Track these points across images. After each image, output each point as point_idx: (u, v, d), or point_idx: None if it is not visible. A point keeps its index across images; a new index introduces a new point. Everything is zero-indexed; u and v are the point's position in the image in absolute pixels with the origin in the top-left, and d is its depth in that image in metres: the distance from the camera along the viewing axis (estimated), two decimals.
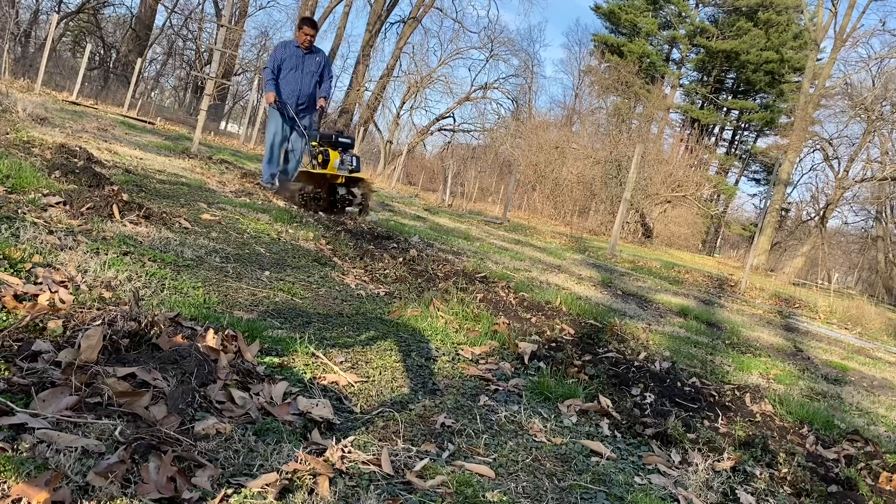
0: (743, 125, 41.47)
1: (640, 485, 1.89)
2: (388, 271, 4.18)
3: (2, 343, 1.62)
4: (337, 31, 31.29)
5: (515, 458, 1.87)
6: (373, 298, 3.44)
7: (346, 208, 6.69)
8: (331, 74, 7.30)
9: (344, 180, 6.63)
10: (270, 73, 6.94)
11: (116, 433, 1.38)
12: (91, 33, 28.52)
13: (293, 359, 2.18)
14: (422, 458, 1.69)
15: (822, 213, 24.41)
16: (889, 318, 10.77)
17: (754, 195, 55.55)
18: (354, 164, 6.70)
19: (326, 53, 7.32)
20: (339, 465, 1.54)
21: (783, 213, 29.41)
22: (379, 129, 33.24)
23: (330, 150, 6.60)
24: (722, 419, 2.61)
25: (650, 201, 23.39)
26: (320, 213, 6.23)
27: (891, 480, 2.26)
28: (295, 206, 6.10)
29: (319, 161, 6.66)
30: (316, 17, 31.09)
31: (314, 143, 6.82)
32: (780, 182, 23.44)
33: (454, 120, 36.47)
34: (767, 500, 2.01)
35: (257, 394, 1.78)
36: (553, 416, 2.28)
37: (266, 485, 1.37)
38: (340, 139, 6.71)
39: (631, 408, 2.46)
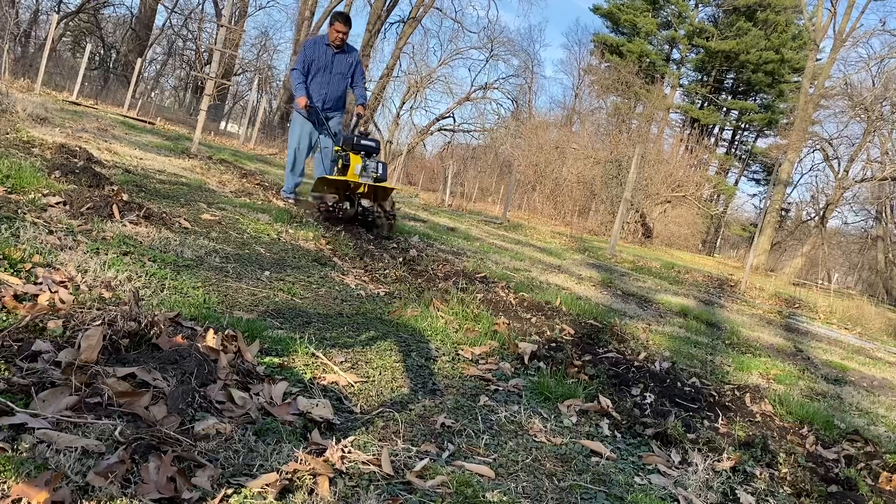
0: (743, 125, 41.51)
1: (640, 485, 1.89)
2: (388, 271, 4.18)
3: (2, 343, 1.62)
4: None
5: (515, 458, 1.87)
6: (373, 298, 3.44)
7: (371, 223, 5.77)
8: (363, 76, 6.61)
9: (367, 190, 5.71)
10: (300, 74, 6.28)
11: (116, 433, 1.38)
12: (91, 33, 28.52)
13: (293, 359, 2.18)
14: (422, 458, 1.69)
15: (822, 213, 24.42)
16: (889, 318, 10.77)
17: (754, 195, 55.62)
18: (380, 171, 5.80)
19: (358, 52, 6.63)
20: (339, 465, 1.54)
21: (783, 213, 29.41)
22: (379, 129, 33.24)
23: (350, 155, 5.78)
24: (722, 419, 2.61)
25: (650, 201, 23.40)
26: (339, 227, 5.39)
27: (891, 480, 2.26)
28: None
29: (339, 167, 5.91)
30: (316, 17, 31.10)
31: (336, 148, 6.13)
32: (780, 182, 23.45)
33: (454, 120, 36.49)
34: (767, 500, 2.01)
35: (257, 394, 1.78)
36: (553, 416, 2.28)
37: (266, 485, 1.37)
38: (363, 142, 5.85)
39: (631, 408, 2.45)
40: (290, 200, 6.28)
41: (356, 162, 5.70)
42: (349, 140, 5.94)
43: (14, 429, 1.33)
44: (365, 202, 5.74)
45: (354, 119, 6.75)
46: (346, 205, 5.70)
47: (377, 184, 5.70)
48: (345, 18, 6.36)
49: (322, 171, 6.39)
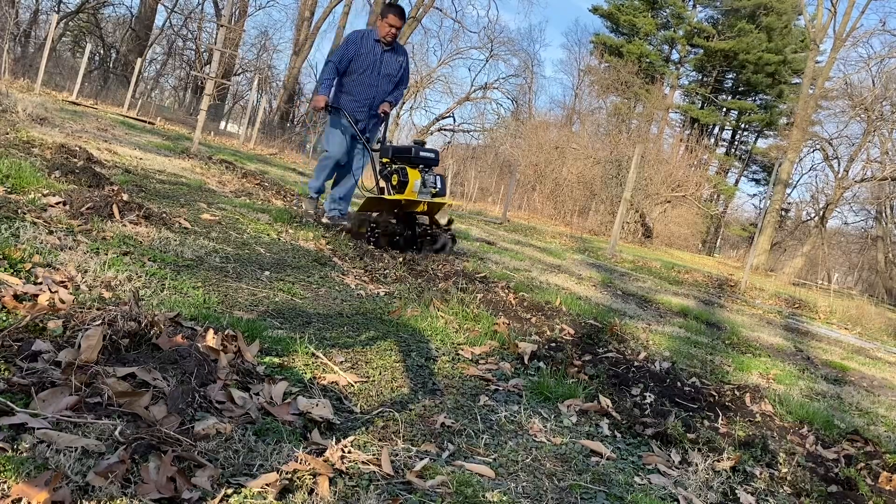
0: (742, 125, 41.55)
1: (639, 485, 1.89)
2: (388, 271, 4.18)
3: (2, 343, 1.62)
4: (337, 31, 31.32)
5: (515, 458, 1.87)
6: (373, 298, 3.44)
7: (430, 244, 5.15)
8: (408, 81, 5.76)
9: (426, 207, 5.04)
10: (333, 69, 5.37)
11: (116, 433, 1.38)
12: (91, 33, 28.53)
13: (293, 359, 2.18)
14: (422, 458, 1.69)
15: (822, 213, 24.43)
16: (889, 318, 10.78)
17: (754, 195, 55.72)
18: (439, 185, 5.08)
19: (408, 53, 5.83)
20: (339, 465, 1.54)
21: (783, 213, 29.44)
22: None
23: (408, 169, 5.00)
24: (722, 419, 2.61)
25: (650, 201, 23.40)
26: (393, 252, 4.81)
27: (891, 480, 2.26)
28: (368, 242, 4.84)
29: (394, 183, 5.06)
30: (315, 17, 31.08)
31: (385, 160, 5.24)
32: (779, 182, 23.45)
33: (454, 120, 36.54)
34: (767, 500, 2.01)
35: (257, 394, 1.78)
36: (553, 416, 2.28)
37: (266, 485, 1.37)
38: (421, 153, 5.09)
39: (631, 408, 2.45)
40: (311, 201, 5.61)
41: (415, 177, 4.96)
42: (406, 151, 5.12)
43: (14, 429, 1.33)
44: (422, 221, 5.13)
45: (383, 119, 5.81)
46: (401, 224, 5.05)
47: (435, 200, 5.03)
48: (399, 11, 5.35)
49: (351, 185, 5.65)
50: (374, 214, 5.01)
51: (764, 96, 39.60)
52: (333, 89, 5.50)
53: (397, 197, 4.93)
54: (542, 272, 6.31)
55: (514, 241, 9.67)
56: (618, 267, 9.49)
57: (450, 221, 5.54)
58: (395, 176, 5.06)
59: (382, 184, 5.23)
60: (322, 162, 5.70)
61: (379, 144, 5.58)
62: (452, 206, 5.68)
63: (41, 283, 2.10)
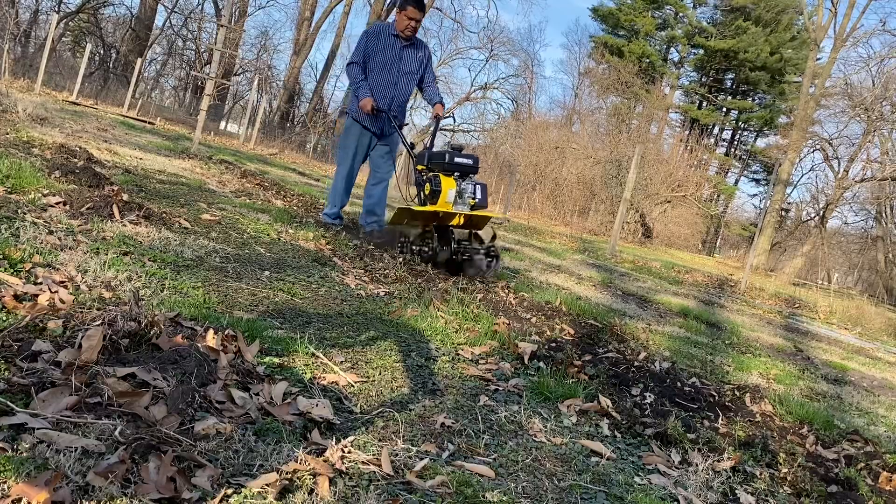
0: (742, 125, 41.57)
1: (639, 485, 1.89)
2: (388, 271, 4.18)
3: (2, 343, 1.62)
4: (337, 30, 31.35)
5: (515, 458, 1.87)
6: (373, 298, 3.44)
7: (469, 262, 4.58)
8: (434, 76, 5.30)
9: (463, 220, 4.57)
10: (360, 70, 5.00)
11: (116, 433, 1.38)
12: (91, 33, 28.54)
13: (293, 359, 2.18)
14: (422, 458, 1.69)
15: (822, 213, 24.42)
16: (889, 318, 10.78)
17: (754, 195, 55.75)
18: (479, 196, 4.59)
19: (429, 47, 5.36)
20: (339, 465, 1.54)
21: (783, 213, 29.43)
22: None
23: (441, 176, 4.54)
24: (722, 419, 2.61)
25: (650, 201, 23.41)
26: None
27: (891, 480, 2.26)
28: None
29: (427, 192, 4.63)
30: (315, 17, 31.08)
31: (420, 167, 4.80)
32: (779, 182, 23.45)
33: (454, 120, 36.43)
34: (767, 500, 2.01)
35: (257, 394, 1.78)
36: (553, 416, 2.28)
37: (266, 485, 1.37)
38: (456, 159, 4.58)
39: (631, 408, 2.45)
40: (335, 226, 5.11)
41: (449, 186, 4.50)
42: (440, 157, 4.64)
43: (14, 429, 1.33)
44: (459, 235, 4.63)
45: (434, 123, 5.27)
46: (434, 238, 4.61)
47: (473, 212, 4.56)
48: (419, 3, 4.94)
49: (380, 194, 5.18)
50: (407, 228, 4.66)
51: (764, 96, 39.63)
52: (351, 92, 5.15)
53: (429, 208, 4.47)
54: (542, 272, 6.31)
55: (515, 241, 9.67)
56: (618, 267, 9.49)
57: (493, 237, 4.86)
58: (427, 184, 4.64)
59: (420, 193, 4.84)
60: (337, 174, 5.31)
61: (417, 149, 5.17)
62: (495, 218, 4.84)
63: (41, 283, 2.10)
